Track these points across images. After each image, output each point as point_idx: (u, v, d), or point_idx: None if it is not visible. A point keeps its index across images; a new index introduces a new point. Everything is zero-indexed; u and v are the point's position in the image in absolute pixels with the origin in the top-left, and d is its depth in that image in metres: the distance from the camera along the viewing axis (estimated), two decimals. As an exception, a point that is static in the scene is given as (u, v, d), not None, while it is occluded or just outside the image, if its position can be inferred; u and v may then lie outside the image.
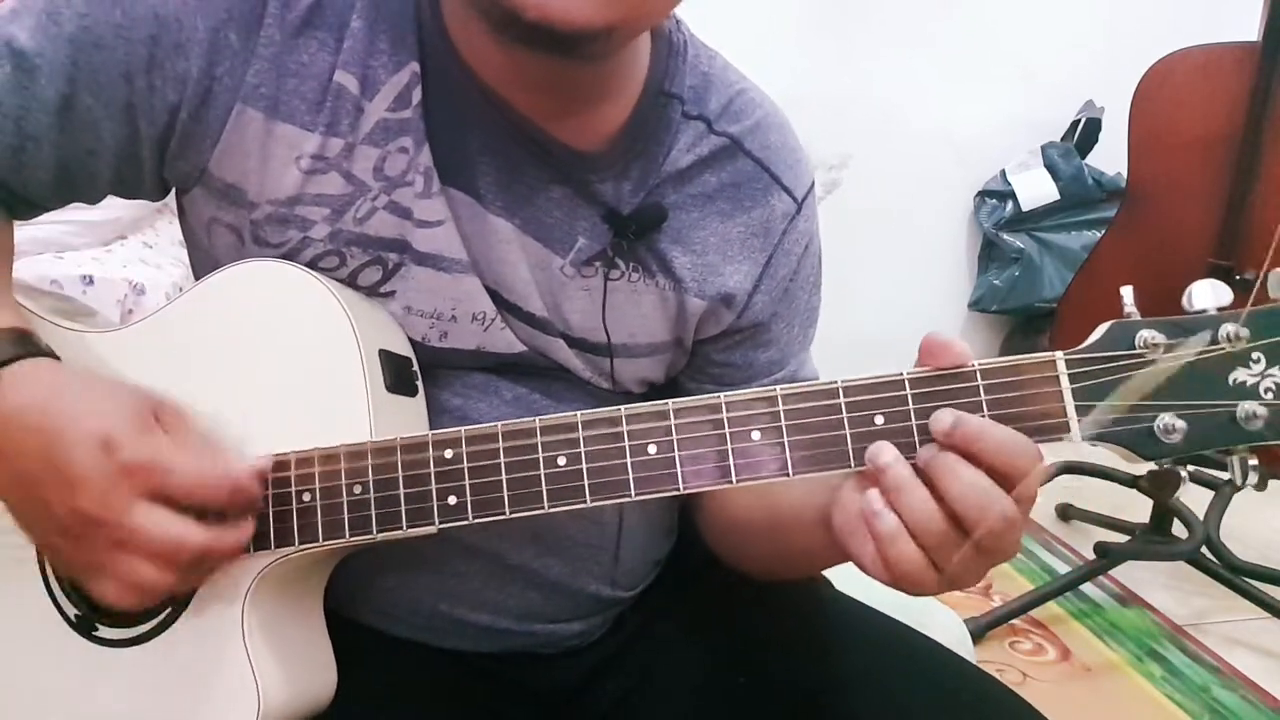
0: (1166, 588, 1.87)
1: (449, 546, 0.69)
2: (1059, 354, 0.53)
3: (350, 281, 0.66)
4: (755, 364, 0.76)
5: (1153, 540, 1.84)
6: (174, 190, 0.70)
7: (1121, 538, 1.91)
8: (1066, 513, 2.12)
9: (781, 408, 0.55)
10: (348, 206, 0.65)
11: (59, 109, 0.63)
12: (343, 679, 0.65)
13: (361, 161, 0.65)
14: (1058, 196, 2.54)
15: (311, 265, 0.66)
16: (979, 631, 1.64)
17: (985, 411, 0.53)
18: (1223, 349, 0.52)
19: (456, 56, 0.65)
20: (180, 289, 1.68)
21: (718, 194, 0.72)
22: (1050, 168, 2.56)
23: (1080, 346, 0.54)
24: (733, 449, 0.55)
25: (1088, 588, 1.84)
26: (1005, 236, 2.60)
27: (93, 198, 0.69)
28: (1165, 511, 1.84)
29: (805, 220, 0.76)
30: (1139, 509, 1.90)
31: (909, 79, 2.53)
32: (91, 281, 1.54)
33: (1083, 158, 2.57)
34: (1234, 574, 1.78)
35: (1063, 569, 1.90)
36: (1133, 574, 1.88)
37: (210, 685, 0.60)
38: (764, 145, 0.74)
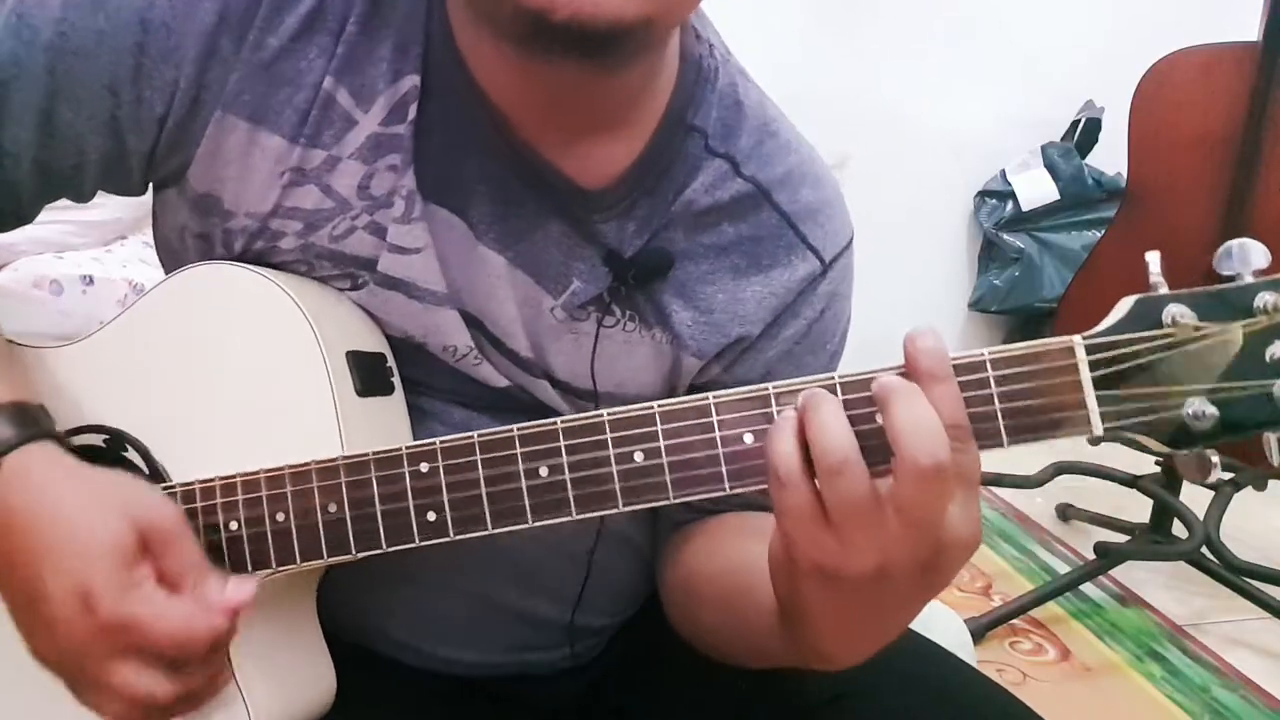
0: (1166, 588, 1.87)
1: (430, 585, 0.68)
2: (1078, 338, 0.48)
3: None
4: None
5: (1153, 540, 1.84)
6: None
7: (1121, 538, 1.91)
8: (1066, 513, 2.12)
9: (774, 408, 0.50)
10: (324, 223, 0.61)
11: (38, 123, 0.59)
12: (341, 694, 0.64)
13: (345, 177, 0.61)
14: (1058, 196, 2.54)
15: (277, 269, 0.63)
16: (979, 632, 1.64)
17: (997, 404, 0.48)
18: (1259, 322, 0.46)
19: (465, 74, 0.60)
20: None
21: (734, 247, 0.66)
22: (1050, 168, 2.56)
23: (1101, 328, 0.48)
24: (724, 453, 0.50)
25: (1088, 588, 1.84)
26: (1005, 236, 2.60)
27: (80, 200, 0.66)
28: (1165, 511, 1.84)
29: (829, 284, 0.69)
30: (1139, 509, 1.90)
31: (909, 79, 2.53)
32: (91, 281, 1.54)
33: (1083, 158, 2.57)
34: (1234, 574, 1.78)
35: (1063, 569, 1.90)
36: (1133, 574, 1.87)
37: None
38: (793, 199, 0.67)
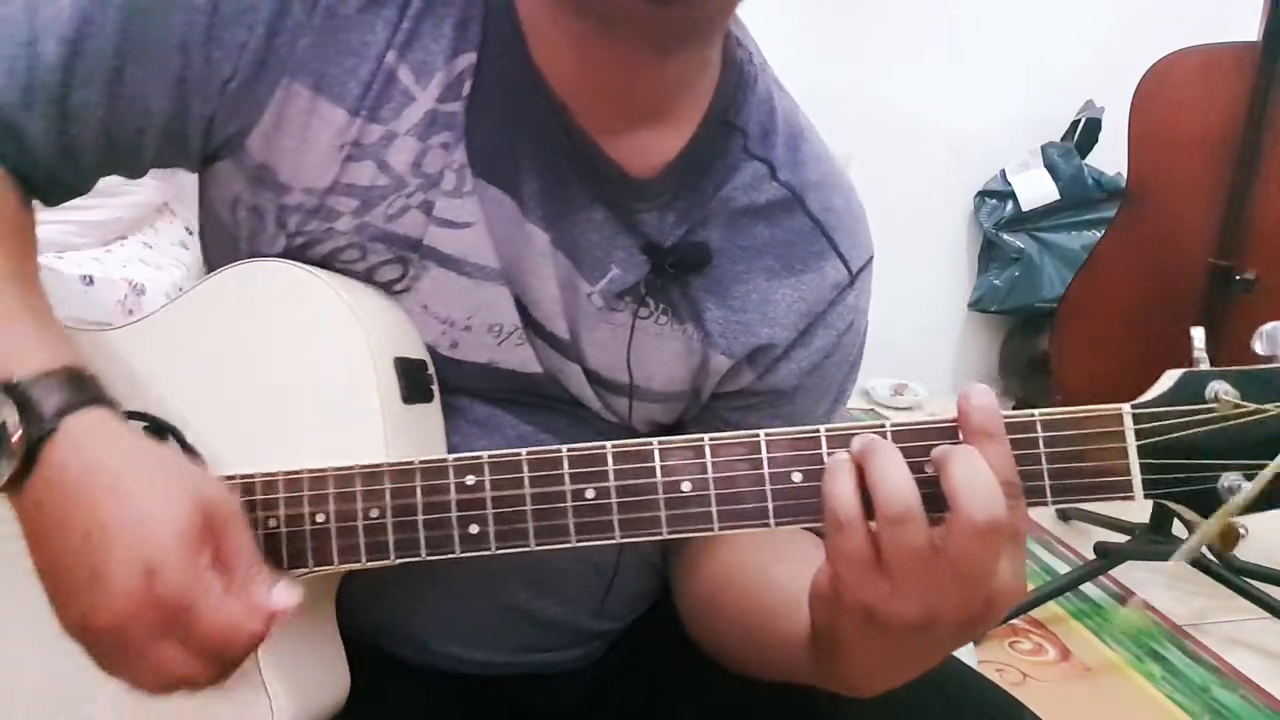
0: (1166, 588, 1.87)
1: (446, 588, 0.68)
2: (1126, 407, 0.50)
3: (368, 276, 0.63)
4: None
5: (1153, 540, 1.84)
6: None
7: (1121, 538, 1.91)
8: (1066, 513, 2.12)
9: (825, 450, 0.50)
10: (379, 201, 0.61)
11: (107, 82, 0.59)
12: (351, 694, 0.64)
13: (400, 154, 0.61)
14: (1058, 196, 2.55)
15: (331, 256, 0.63)
16: (979, 631, 1.64)
17: (1044, 464, 0.49)
18: None
19: (524, 53, 0.61)
20: (180, 289, 1.68)
21: (768, 249, 0.67)
22: (1050, 168, 2.57)
23: (1148, 398, 0.50)
24: (771, 489, 0.51)
25: (1088, 588, 1.84)
26: (1005, 236, 2.60)
27: (135, 173, 0.65)
28: (1165, 511, 1.84)
29: (856, 295, 0.70)
30: (1139, 509, 1.90)
31: (909, 79, 2.53)
32: (91, 281, 1.54)
33: (1083, 158, 2.57)
34: (1234, 574, 1.77)
35: (1063, 569, 1.90)
36: (1133, 574, 1.87)
37: (220, 695, 0.59)
38: (826, 207, 0.68)
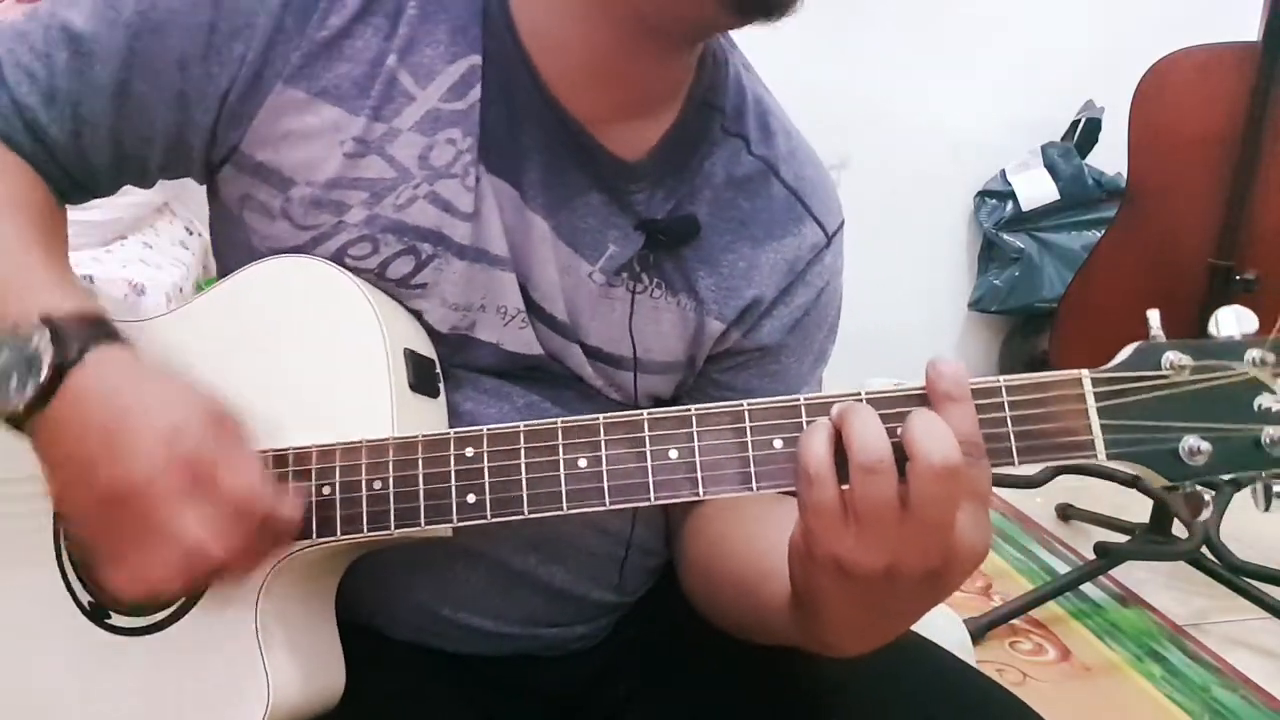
0: (1166, 588, 1.87)
1: (452, 552, 0.69)
2: (1085, 372, 0.53)
3: (380, 271, 0.66)
4: (757, 394, 0.74)
5: (1153, 540, 1.84)
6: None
7: (1121, 538, 1.91)
8: (1066, 513, 2.12)
9: (804, 418, 0.54)
10: (388, 192, 0.65)
11: (114, 94, 0.63)
12: (347, 682, 0.65)
13: (405, 148, 0.64)
14: (1058, 196, 2.54)
15: (341, 251, 0.65)
16: (979, 632, 1.64)
17: (1010, 426, 0.52)
18: (1248, 374, 0.52)
19: (520, 50, 0.65)
20: (180, 289, 1.68)
21: (751, 220, 0.72)
22: (1050, 168, 2.56)
23: (1107, 366, 0.54)
24: (754, 455, 0.54)
25: (1088, 588, 1.84)
26: (1005, 236, 2.60)
27: (144, 182, 0.70)
28: (1165, 511, 1.84)
29: (832, 256, 0.75)
30: (1139, 509, 1.90)
31: (909, 79, 2.53)
32: (91, 281, 1.54)
33: (1083, 158, 2.57)
34: (1234, 574, 1.78)
35: (1063, 569, 1.90)
36: (1133, 574, 1.88)
37: (221, 676, 0.60)
38: (799, 175, 0.73)
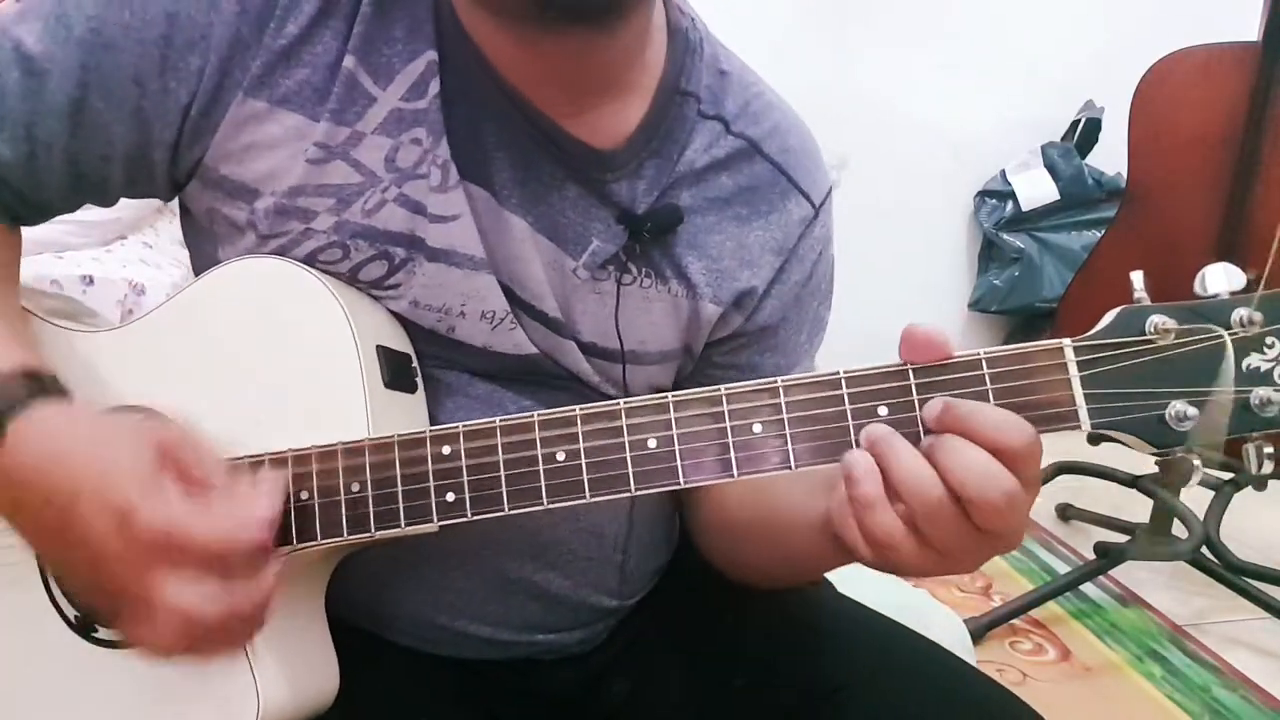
0: (1166, 588, 1.87)
1: (449, 560, 0.68)
2: (1067, 341, 0.52)
3: (352, 277, 0.65)
4: (759, 369, 0.75)
5: (1153, 540, 1.84)
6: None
7: (1121, 538, 1.91)
8: (1066, 513, 2.12)
9: (784, 399, 0.53)
10: (356, 197, 0.63)
11: (69, 113, 0.62)
12: (343, 683, 0.65)
13: (371, 151, 0.63)
14: (1058, 196, 2.55)
15: (311, 258, 0.64)
16: (979, 631, 1.64)
17: (991, 400, 0.51)
18: (1235, 333, 0.51)
19: (472, 47, 0.64)
20: (178, 288, 1.68)
21: (734, 198, 0.71)
22: (1050, 168, 2.57)
23: (1089, 333, 0.52)
24: (734, 441, 0.54)
25: (1088, 588, 1.84)
26: (1005, 236, 2.60)
27: (105, 201, 0.69)
28: (1165, 511, 1.84)
29: (821, 227, 0.75)
30: (1139, 509, 1.90)
31: (909, 79, 2.53)
32: (91, 281, 1.54)
33: (1083, 158, 2.57)
34: (1234, 574, 1.77)
35: (1063, 569, 1.90)
36: (1133, 574, 1.87)
37: (209, 687, 0.60)
38: (783, 149, 0.72)
